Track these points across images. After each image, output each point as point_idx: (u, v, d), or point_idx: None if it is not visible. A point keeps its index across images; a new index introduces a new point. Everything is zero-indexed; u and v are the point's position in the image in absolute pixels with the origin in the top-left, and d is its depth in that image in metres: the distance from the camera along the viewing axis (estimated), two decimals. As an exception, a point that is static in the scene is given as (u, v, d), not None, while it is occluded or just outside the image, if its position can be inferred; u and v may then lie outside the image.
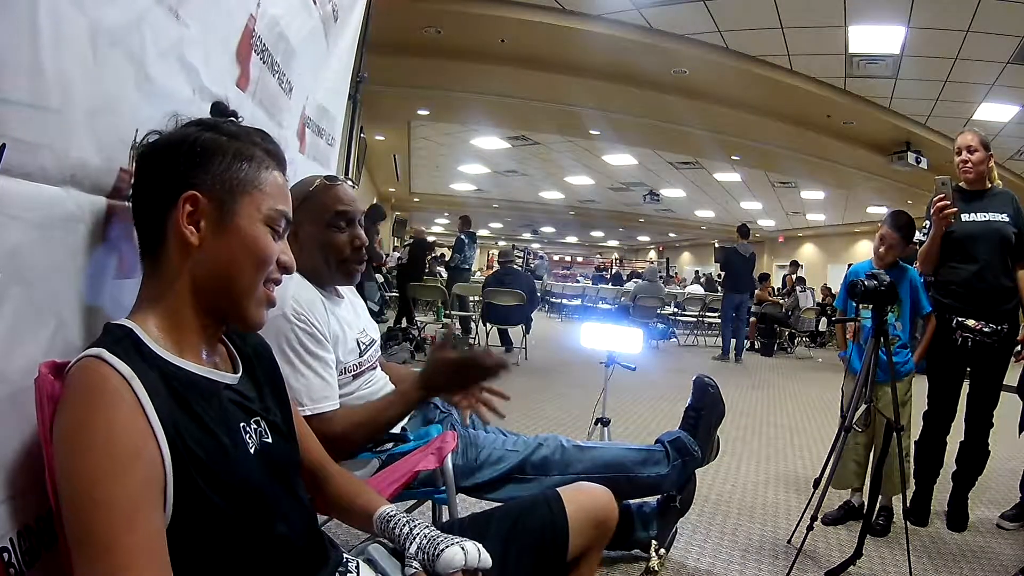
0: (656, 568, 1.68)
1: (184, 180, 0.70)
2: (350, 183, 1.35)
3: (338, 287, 1.37)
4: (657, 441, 1.67)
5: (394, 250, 8.14)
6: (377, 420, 1.20)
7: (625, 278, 14.32)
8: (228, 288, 0.73)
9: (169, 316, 0.71)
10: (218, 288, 0.72)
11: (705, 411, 1.74)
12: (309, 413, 1.15)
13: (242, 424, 0.73)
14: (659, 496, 1.79)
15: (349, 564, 0.83)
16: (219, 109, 0.84)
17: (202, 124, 0.75)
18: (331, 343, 1.25)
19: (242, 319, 0.75)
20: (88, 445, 0.58)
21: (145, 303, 0.72)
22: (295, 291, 1.22)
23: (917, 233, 2.24)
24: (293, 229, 1.25)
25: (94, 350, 0.63)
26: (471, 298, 6.70)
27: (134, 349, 0.65)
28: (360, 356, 1.34)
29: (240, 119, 0.81)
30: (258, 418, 0.76)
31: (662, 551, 1.75)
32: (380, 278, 7.41)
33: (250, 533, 0.68)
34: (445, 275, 7.69)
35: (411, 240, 7.53)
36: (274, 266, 0.76)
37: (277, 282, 0.78)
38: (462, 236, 7.30)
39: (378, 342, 1.44)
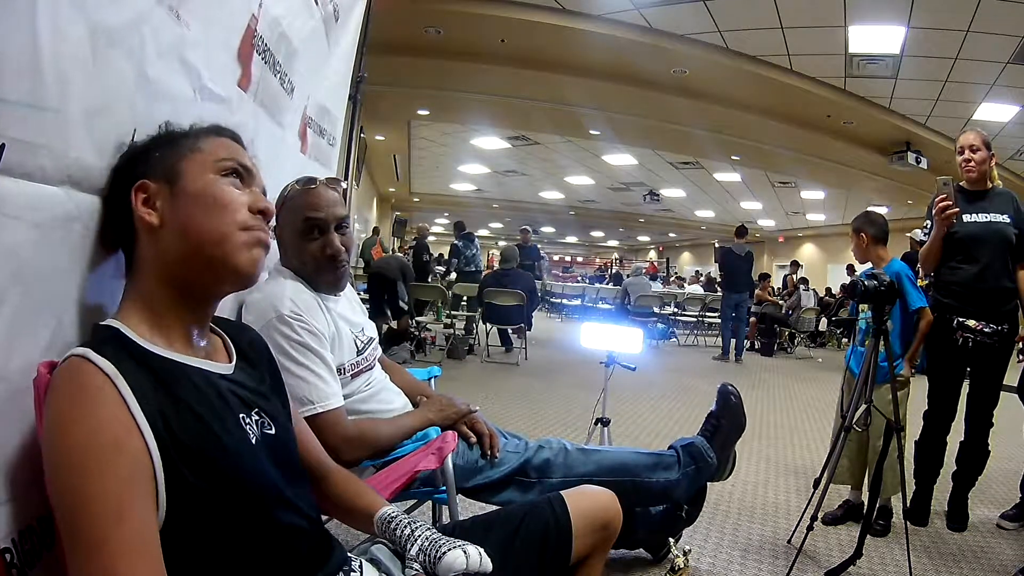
0: (682, 565, 1.62)
1: (132, 176, 0.73)
2: (330, 186, 1.26)
3: None
4: (670, 447, 1.62)
5: (396, 250, 8.10)
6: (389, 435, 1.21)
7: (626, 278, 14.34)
8: (201, 244, 0.71)
9: (151, 308, 0.71)
10: (192, 250, 0.71)
11: (724, 420, 1.69)
12: (312, 413, 1.13)
13: (242, 415, 0.73)
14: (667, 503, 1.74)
15: (353, 563, 0.82)
16: None
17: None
18: (328, 344, 1.23)
19: (232, 269, 0.72)
20: (71, 441, 0.58)
21: (128, 301, 0.72)
22: (292, 293, 1.21)
23: (919, 232, 2.25)
24: (278, 232, 1.25)
25: (79, 349, 0.63)
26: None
27: (121, 346, 0.65)
28: (358, 355, 1.32)
29: None
30: (258, 409, 0.76)
31: (687, 548, 1.71)
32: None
33: (256, 523, 0.69)
34: (453, 279, 7.62)
35: (415, 240, 7.49)
36: (245, 212, 0.73)
37: (259, 227, 0.74)
38: (456, 242, 7.25)
39: (376, 340, 1.42)
